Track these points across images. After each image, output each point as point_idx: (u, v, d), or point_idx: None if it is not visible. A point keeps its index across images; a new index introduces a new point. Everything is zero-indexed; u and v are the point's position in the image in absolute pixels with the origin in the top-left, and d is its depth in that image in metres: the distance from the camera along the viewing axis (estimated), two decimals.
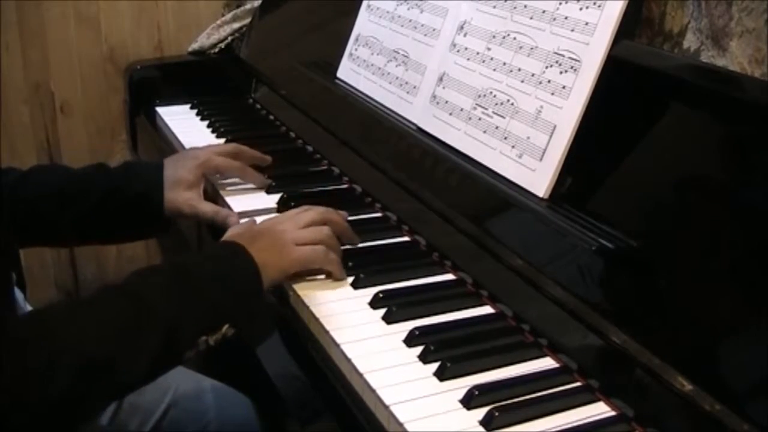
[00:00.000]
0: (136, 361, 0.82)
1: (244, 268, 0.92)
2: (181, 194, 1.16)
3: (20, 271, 1.07)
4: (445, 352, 0.83)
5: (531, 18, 1.02)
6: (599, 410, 0.77)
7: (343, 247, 1.02)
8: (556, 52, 0.97)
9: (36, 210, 1.13)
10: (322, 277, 0.98)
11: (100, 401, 0.86)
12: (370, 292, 0.94)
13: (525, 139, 0.98)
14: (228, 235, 1.01)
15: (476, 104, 1.07)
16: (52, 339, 0.78)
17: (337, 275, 0.97)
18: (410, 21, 1.26)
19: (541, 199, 0.94)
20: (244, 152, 1.26)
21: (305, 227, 0.99)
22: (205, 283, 0.88)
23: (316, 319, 0.90)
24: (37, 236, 1.19)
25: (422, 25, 1.23)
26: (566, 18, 0.97)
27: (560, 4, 0.98)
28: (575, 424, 0.75)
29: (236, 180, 1.26)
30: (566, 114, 0.93)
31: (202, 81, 1.77)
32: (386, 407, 0.76)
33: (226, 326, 0.88)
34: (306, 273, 0.97)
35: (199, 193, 1.18)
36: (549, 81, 0.97)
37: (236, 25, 1.82)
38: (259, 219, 1.06)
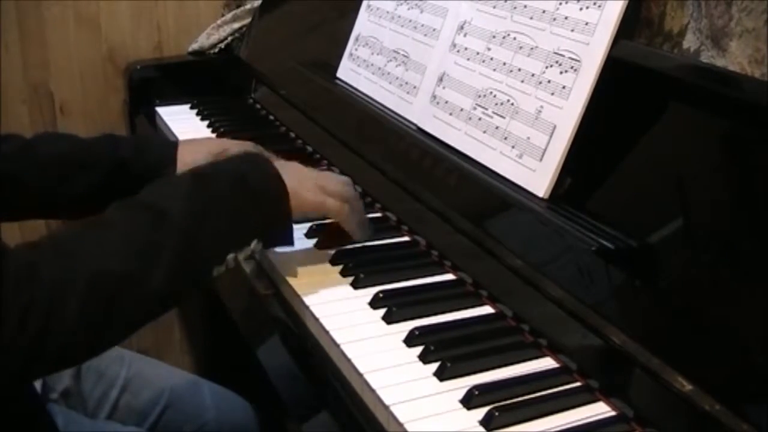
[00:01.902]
0: (152, 274, 0.77)
1: (267, 173, 0.88)
2: None
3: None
4: (445, 352, 0.83)
5: (531, 18, 1.02)
6: (599, 410, 0.77)
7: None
8: (556, 52, 0.97)
9: (37, 182, 1.10)
10: (322, 277, 0.98)
11: (121, 321, 0.79)
12: (370, 292, 0.94)
13: (525, 139, 0.98)
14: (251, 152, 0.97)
15: (476, 104, 1.07)
16: (62, 260, 0.75)
17: (358, 235, 0.96)
18: (410, 21, 1.26)
19: (541, 199, 0.94)
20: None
21: (335, 181, 0.97)
22: (224, 185, 0.84)
23: (316, 319, 0.90)
24: (34, 208, 1.15)
25: (422, 25, 1.23)
26: (566, 18, 0.97)
27: (560, 4, 0.98)
28: (575, 424, 0.75)
29: None
30: (566, 114, 0.93)
31: (202, 81, 1.77)
32: (386, 407, 0.76)
33: (254, 242, 0.85)
34: (307, 275, 0.97)
35: None
36: (549, 81, 0.97)
37: (236, 25, 1.82)
38: None
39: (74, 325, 0.73)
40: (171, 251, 0.78)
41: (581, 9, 0.95)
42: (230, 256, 0.84)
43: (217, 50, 1.83)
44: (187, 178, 0.86)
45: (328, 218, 1.00)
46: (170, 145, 1.17)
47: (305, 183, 0.92)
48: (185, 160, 1.14)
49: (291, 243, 0.93)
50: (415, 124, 1.17)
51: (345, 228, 0.97)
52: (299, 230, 1.03)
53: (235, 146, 1.22)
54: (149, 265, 0.77)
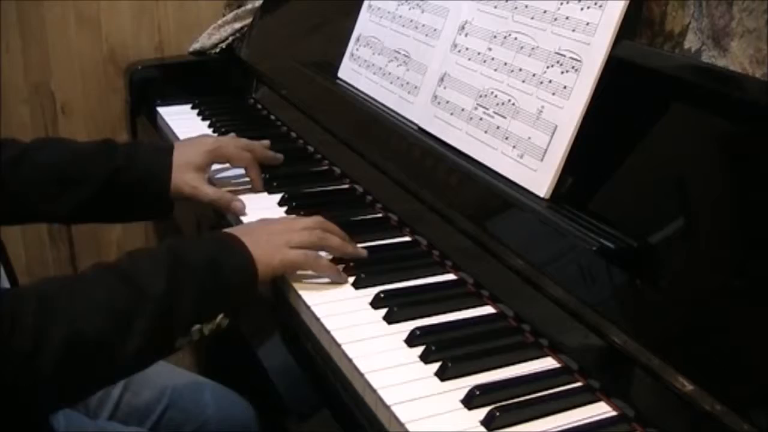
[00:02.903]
0: (126, 342, 0.81)
1: (237, 256, 0.91)
2: (185, 175, 1.15)
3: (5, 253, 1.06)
4: (446, 352, 0.83)
5: (532, 18, 1.02)
6: (600, 410, 0.77)
7: None
8: (557, 52, 0.97)
9: (36, 189, 1.11)
10: (324, 278, 0.98)
11: (89, 382, 0.85)
12: (371, 292, 0.94)
13: (526, 139, 0.98)
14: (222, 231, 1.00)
15: (477, 104, 1.07)
16: (41, 313, 0.78)
17: (334, 279, 0.97)
18: (411, 21, 1.26)
19: (542, 199, 0.94)
20: (256, 148, 1.25)
21: (300, 230, 0.98)
22: (198, 268, 0.87)
23: (317, 319, 0.90)
24: (34, 214, 1.17)
25: (423, 26, 1.23)
26: (567, 18, 0.97)
27: (561, 4, 0.98)
28: (576, 424, 0.75)
29: (237, 179, 1.26)
30: (567, 114, 0.93)
31: (203, 81, 1.77)
32: (387, 407, 0.76)
33: (220, 316, 0.87)
34: (307, 275, 0.97)
35: (203, 176, 1.17)
36: (550, 81, 0.97)
37: (237, 25, 1.82)
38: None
39: (48, 379, 0.77)
40: (146, 323, 0.82)
41: (582, 9, 0.95)
42: (195, 328, 0.86)
43: (218, 50, 1.83)
44: (165, 255, 0.88)
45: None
46: (165, 151, 1.17)
47: (270, 249, 0.94)
48: (181, 161, 1.15)
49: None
50: (416, 124, 1.17)
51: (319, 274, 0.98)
52: None
53: (230, 145, 1.22)
54: (124, 332, 0.81)
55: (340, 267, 0.99)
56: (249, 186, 1.24)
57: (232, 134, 1.35)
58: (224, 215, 1.18)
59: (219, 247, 0.92)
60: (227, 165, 1.25)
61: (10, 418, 0.79)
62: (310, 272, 0.97)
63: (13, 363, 0.75)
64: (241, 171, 1.28)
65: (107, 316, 0.81)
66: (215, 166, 1.23)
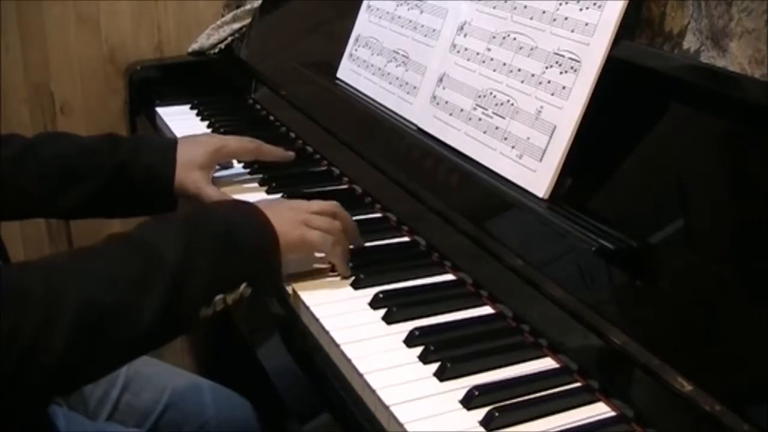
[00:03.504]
0: (143, 310, 0.77)
1: (257, 223, 0.89)
2: (190, 174, 1.15)
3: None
4: (445, 352, 0.83)
5: (531, 18, 1.02)
6: (599, 410, 0.77)
7: None
8: (556, 53, 0.97)
9: (39, 183, 1.10)
10: (323, 277, 0.98)
11: (106, 357, 0.79)
12: (370, 292, 0.94)
13: (525, 139, 0.98)
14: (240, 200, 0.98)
15: (476, 105, 1.07)
16: (51, 285, 0.74)
17: (341, 270, 0.96)
18: (410, 21, 1.26)
19: (541, 199, 0.94)
20: (262, 146, 1.25)
21: (316, 213, 0.97)
22: (215, 233, 0.85)
23: (316, 320, 0.90)
24: (36, 209, 1.16)
25: (422, 26, 1.23)
26: (566, 18, 0.97)
27: (560, 4, 0.98)
28: (575, 424, 0.75)
29: (237, 179, 1.26)
30: (566, 114, 0.93)
31: (202, 81, 1.77)
32: (386, 408, 0.76)
33: (243, 285, 0.85)
34: (308, 273, 0.97)
35: (207, 176, 1.17)
36: (549, 81, 0.97)
37: (236, 26, 1.82)
38: None
39: (60, 352, 0.73)
40: (160, 289, 0.79)
41: (581, 10, 0.95)
42: (218, 298, 0.84)
43: (217, 50, 1.83)
44: (181, 223, 0.86)
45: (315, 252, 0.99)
46: (169, 146, 1.17)
47: (289, 223, 0.92)
48: (184, 159, 1.15)
49: (280, 285, 0.94)
50: (415, 125, 1.17)
51: (329, 260, 0.97)
52: None
53: (233, 142, 1.22)
54: (138, 300, 0.78)
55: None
56: (249, 186, 1.24)
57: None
58: None
59: (237, 213, 0.90)
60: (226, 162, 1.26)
61: (21, 399, 0.75)
62: (309, 272, 0.97)
63: (24, 338, 0.71)
64: (242, 170, 1.28)
65: (120, 284, 0.77)
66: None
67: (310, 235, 0.93)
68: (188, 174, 1.15)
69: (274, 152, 1.26)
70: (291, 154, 1.28)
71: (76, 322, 0.73)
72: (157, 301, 0.78)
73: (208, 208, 0.96)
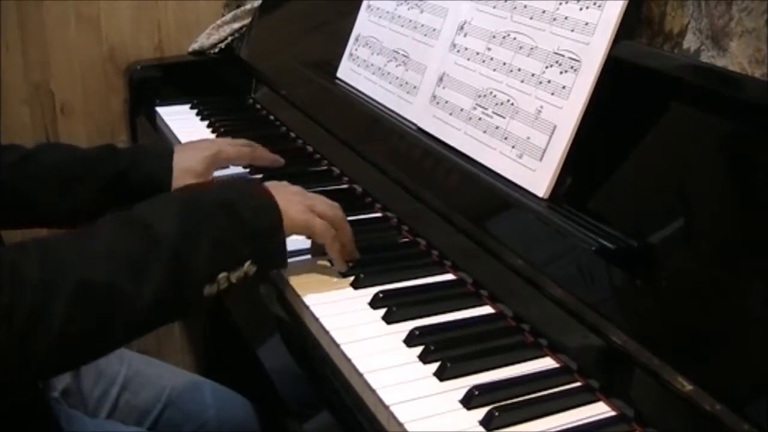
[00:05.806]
0: (142, 288, 0.76)
1: (260, 200, 0.88)
2: (187, 181, 1.14)
3: None
4: (445, 352, 0.83)
5: (531, 18, 1.02)
6: (599, 410, 0.77)
7: None
8: (556, 52, 0.97)
9: (39, 191, 1.11)
10: (323, 276, 0.98)
11: (106, 333, 0.78)
12: (370, 292, 0.94)
13: (525, 139, 0.98)
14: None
15: (476, 104, 1.07)
16: (46, 264, 0.74)
17: (338, 264, 0.96)
18: (410, 21, 1.26)
19: (541, 199, 0.94)
20: (256, 150, 1.25)
21: (323, 202, 0.97)
22: (215, 208, 0.84)
23: (316, 319, 0.90)
24: (37, 218, 1.16)
25: (422, 25, 1.23)
26: (566, 18, 0.97)
27: (560, 4, 0.98)
28: (575, 424, 0.75)
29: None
30: (566, 114, 0.93)
31: (202, 81, 1.77)
32: (386, 407, 0.76)
33: (247, 263, 0.84)
34: (307, 275, 0.97)
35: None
36: (549, 81, 0.97)
37: (236, 25, 1.82)
38: None
39: (58, 329, 0.72)
40: (160, 267, 0.78)
41: (581, 9, 0.95)
42: (222, 275, 0.83)
43: (217, 50, 1.83)
44: (179, 199, 0.85)
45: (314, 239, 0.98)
46: (166, 153, 1.17)
47: (295, 203, 0.92)
48: (181, 167, 1.15)
49: (285, 265, 0.93)
50: (415, 124, 1.17)
51: (328, 252, 0.97)
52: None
53: (230, 147, 1.22)
54: (137, 279, 0.77)
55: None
56: None
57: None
58: None
59: (239, 189, 0.89)
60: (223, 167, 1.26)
61: (19, 381, 0.75)
62: (309, 272, 0.97)
63: (20, 318, 0.70)
64: (242, 170, 1.28)
65: (117, 261, 0.76)
66: None
67: (313, 222, 0.93)
68: (186, 181, 1.15)
69: (267, 157, 1.26)
70: (281, 160, 1.28)
71: (72, 301, 0.73)
72: (158, 276, 0.77)
73: (209, 185, 0.95)
